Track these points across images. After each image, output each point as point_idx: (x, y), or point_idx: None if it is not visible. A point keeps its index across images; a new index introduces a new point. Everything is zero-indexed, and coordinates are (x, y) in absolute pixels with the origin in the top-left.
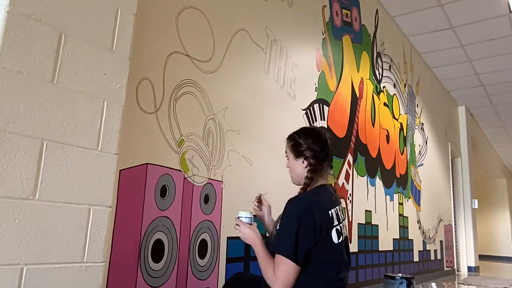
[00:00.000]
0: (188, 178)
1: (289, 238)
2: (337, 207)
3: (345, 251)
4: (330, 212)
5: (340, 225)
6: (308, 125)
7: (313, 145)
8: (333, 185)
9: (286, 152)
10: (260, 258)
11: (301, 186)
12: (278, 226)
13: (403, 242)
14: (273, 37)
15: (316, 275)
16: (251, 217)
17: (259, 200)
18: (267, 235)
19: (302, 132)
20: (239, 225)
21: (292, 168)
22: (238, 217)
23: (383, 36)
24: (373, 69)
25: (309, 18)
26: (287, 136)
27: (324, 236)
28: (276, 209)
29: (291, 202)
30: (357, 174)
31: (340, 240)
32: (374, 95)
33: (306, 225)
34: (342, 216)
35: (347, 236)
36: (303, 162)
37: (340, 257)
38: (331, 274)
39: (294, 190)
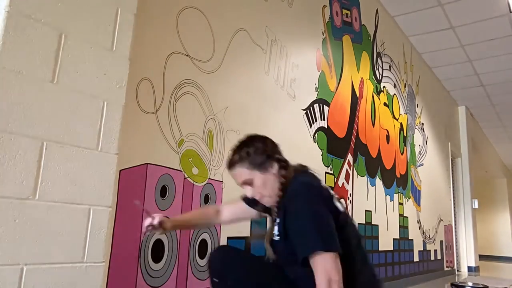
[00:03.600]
0: (188, 178)
1: (314, 232)
2: (321, 181)
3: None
4: (322, 184)
5: (335, 196)
6: (252, 136)
7: (265, 146)
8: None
9: (243, 182)
10: None
11: (279, 188)
12: (289, 232)
13: (403, 242)
14: (273, 37)
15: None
16: None
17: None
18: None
19: (243, 145)
20: None
21: (265, 186)
22: None
23: (383, 36)
24: (373, 69)
25: (309, 18)
26: (229, 166)
27: (334, 209)
28: None
29: (288, 195)
30: (357, 174)
31: (343, 209)
32: (374, 95)
33: (319, 207)
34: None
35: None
36: (271, 168)
37: (347, 221)
38: (355, 249)
39: None
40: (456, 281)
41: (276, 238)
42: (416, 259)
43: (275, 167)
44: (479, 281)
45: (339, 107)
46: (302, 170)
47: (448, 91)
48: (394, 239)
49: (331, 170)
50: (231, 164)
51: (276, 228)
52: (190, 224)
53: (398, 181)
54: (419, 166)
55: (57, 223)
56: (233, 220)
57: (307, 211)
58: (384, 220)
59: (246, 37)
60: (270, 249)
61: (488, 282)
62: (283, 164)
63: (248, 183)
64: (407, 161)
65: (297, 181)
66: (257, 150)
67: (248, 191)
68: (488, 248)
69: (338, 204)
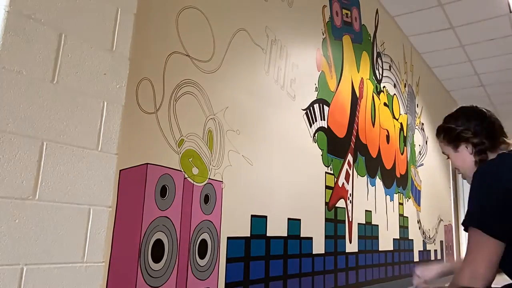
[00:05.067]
0: (188, 178)
1: (476, 207)
2: None
3: None
4: None
5: None
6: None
7: (468, 123)
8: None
9: (443, 152)
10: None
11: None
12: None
13: (403, 242)
14: (273, 37)
15: None
16: None
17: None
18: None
19: (449, 117)
20: None
21: (458, 164)
22: None
23: (383, 36)
24: (373, 69)
25: (309, 18)
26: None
27: None
28: (276, 210)
29: (474, 177)
30: (357, 174)
31: None
32: (374, 95)
33: (489, 189)
34: None
35: None
36: (466, 148)
37: None
38: None
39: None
40: None
41: None
42: (416, 259)
43: (469, 149)
44: None
45: (339, 107)
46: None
47: (448, 91)
48: (394, 239)
49: (331, 170)
50: (437, 134)
51: None
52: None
53: (398, 181)
54: (419, 166)
55: (57, 223)
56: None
57: (477, 190)
58: (384, 220)
59: (246, 37)
60: None
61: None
62: (480, 148)
63: (447, 156)
64: (407, 161)
65: (483, 166)
66: (455, 126)
67: (450, 162)
68: None
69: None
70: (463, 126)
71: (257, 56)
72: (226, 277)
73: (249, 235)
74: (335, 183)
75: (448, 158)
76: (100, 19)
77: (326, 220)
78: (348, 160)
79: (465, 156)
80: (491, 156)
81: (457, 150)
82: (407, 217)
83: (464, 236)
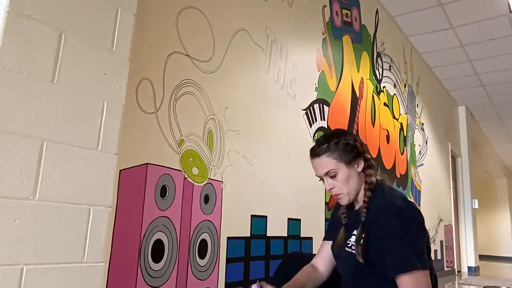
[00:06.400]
0: (188, 178)
1: (408, 251)
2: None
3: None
4: (415, 205)
5: None
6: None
7: (356, 140)
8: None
9: (330, 170)
10: None
11: (365, 188)
12: (379, 251)
13: None
14: (273, 37)
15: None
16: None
17: None
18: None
19: (335, 135)
20: None
21: (348, 181)
22: None
23: (383, 36)
24: (373, 69)
25: (309, 18)
26: (313, 151)
27: (424, 231)
28: (276, 210)
29: (380, 215)
30: None
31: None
32: (374, 95)
33: (413, 224)
34: None
35: None
36: (357, 165)
37: (429, 249)
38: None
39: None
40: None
41: (349, 249)
42: None
43: (361, 165)
44: (479, 281)
45: (339, 107)
46: (381, 180)
47: (448, 91)
48: None
49: None
50: (318, 152)
51: (352, 238)
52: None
53: (398, 181)
54: (419, 166)
55: (57, 223)
56: (330, 266)
57: (401, 233)
58: None
59: (246, 37)
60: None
61: (488, 282)
62: (369, 163)
63: (332, 175)
64: (407, 161)
65: (389, 198)
66: (348, 143)
67: (327, 184)
68: (488, 248)
69: (425, 226)
70: (353, 144)
71: (257, 56)
72: (226, 277)
73: (249, 235)
74: None
75: (321, 180)
76: (100, 19)
77: (326, 220)
78: None
79: (355, 174)
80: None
81: (349, 166)
82: None
83: (464, 236)
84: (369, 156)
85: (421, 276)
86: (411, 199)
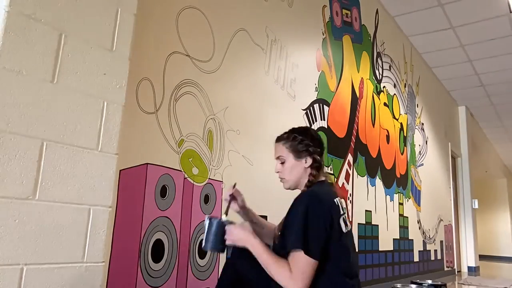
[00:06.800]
0: (188, 178)
1: (301, 231)
2: (338, 198)
3: (352, 242)
4: (335, 200)
5: (344, 215)
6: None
7: (312, 142)
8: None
9: (279, 156)
10: (266, 258)
11: (306, 184)
12: (284, 226)
13: (403, 242)
14: (273, 37)
15: (330, 271)
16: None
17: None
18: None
19: (297, 131)
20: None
21: (291, 171)
22: (224, 223)
23: (383, 36)
24: (373, 69)
25: (309, 18)
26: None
27: (336, 225)
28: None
29: (297, 198)
30: (357, 174)
31: (346, 231)
32: (374, 95)
33: (316, 215)
34: (344, 208)
35: (351, 228)
36: (305, 161)
37: (350, 246)
38: (345, 268)
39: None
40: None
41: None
42: (416, 259)
43: (309, 162)
44: (479, 281)
45: (339, 107)
46: (329, 182)
47: (448, 91)
48: (394, 239)
49: (331, 170)
50: (278, 138)
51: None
52: (259, 225)
53: (398, 181)
54: (419, 166)
55: (57, 223)
56: None
57: (304, 214)
58: (384, 220)
59: (246, 37)
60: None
61: (488, 282)
62: (317, 165)
63: (281, 161)
64: (407, 161)
65: (313, 189)
66: (303, 140)
67: (276, 166)
68: (488, 248)
69: (342, 225)
70: (308, 143)
71: (257, 56)
72: None
73: None
74: (335, 183)
75: (278, 159)
76: (100, 19)
77: None
78: (348, 160)
79: (300, 167)
80: (319, 174)
81: (298, 159)
82: (407, 217)
83: (464, 236)
84: (319, 158)
85: (302, 259)
86: (411, 199)
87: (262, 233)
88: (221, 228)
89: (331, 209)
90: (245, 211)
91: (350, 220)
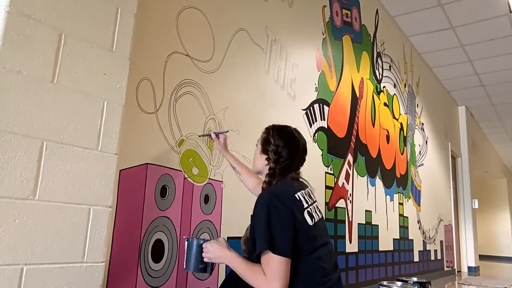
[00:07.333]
0: (188, 178)
1: (266, 232)
2: (302, 191)
3: (323, 231)
4: (296, 195)
5: (310, 207)
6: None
7: (280, 150)
8: (297, 178)
9: (258, 140)
10: (242, 268)
11: (264, 181)
12: (251, 231)
13: (403, 242)
14: (273, 37)
15: (300, 270)
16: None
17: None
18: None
19: (278, 130)
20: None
21: (255, 159)
22: (200, 242)
23: (383, 36)
24: (373, 69)
25: (309, 18)
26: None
27: (300, 221)
28: None
29: (257, 200)
30: (357, 174)
31: (313, 223)
32: (374, 95)
33: (277, 214)
34: (311, 198)
35: (322, 217)
36: (265, 160)
37: (316, 239)
38: (315, 265)
39: None
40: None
41: None
42: (416, 259)
43: (265, 162)
44: (479, 281)
45: (339, 107)
46: (292, 177)
47: (448, 91)
48: (394, 239)
49: (331, 170)
50: (266, 127)
51: None
52: (237, 163)
53: (398, 181)
54: (419, 166)
55: (57, 223)
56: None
57: (266, 215)
58: (384, 220)
59: (246, 37)
60: None
61: (488, 282)
62: (271, 172)
63: (256, 144)
64: (407, 161)
65: (271, 188)
66: (273, 140)
67: (255, 148)
68: (488, 248)
69: (307, 217)
70: (275, 147)
71: (257, 56)
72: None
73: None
74: (335, 183)
75: (256, 145)
76: (100, 19)
77: (326, 220)
78: (348, 160)
79: (261, 162)
80: (276, 180)
81: (261, 154)
82: (407, 217)
83: (464, 236)
84: (273, 166)
85: (272, 259)
86: (411, 199)
87: (241, 178)
88: (199, 248)
89: (291, 205)
90: (224, 152)
91: (350, 220)
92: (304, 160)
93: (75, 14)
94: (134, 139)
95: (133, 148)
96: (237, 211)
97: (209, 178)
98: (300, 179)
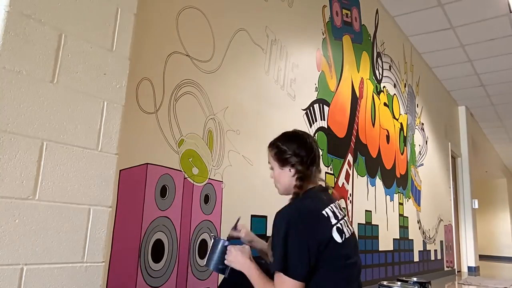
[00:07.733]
0: (188, 178)
1: (282, 252)
2: (331, 205)
3: (353, 249)
4: (324, 212)
5: (340, 222)
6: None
7: (298, 151)
8: (324, 185)
9: (269, 162)
10: (258, 281)
11: (291, 196)
12: (271, 246)
13: (403, 242)
14: (273, 37)
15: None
16: (238, 242)
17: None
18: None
19: (284, 138)
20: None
21: (279, 179)
22: (225, 244)
23: (383, 36)
24: (373, 69)
25: (309, 18)
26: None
27: (327, 240)
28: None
29: (277, 215)
30: (357, 174)
31: (343, 239)
32: (374, 95)
33: (296, 233)
34: (341, 213)
35: (353, 232)
36: (290, 170)
37: (345, 257)
38: (342, 283)
39: None
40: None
41: None
42: (416, 259)
43: (291, 172)
44: (479, 281)
45: (339, 107)
46: (320, 189)
47: (448, 91)
48: (394, 239)
49: (331, 170)
50: (269, 145)
51: None
52: (263, 252)
53: (398, 181)
54: (419, 166)
55: (57, 223)
56: None
57: (284, 235)
58: (384, 220)
59: (246, 37)
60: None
61: (488, 282)
62: (300, 175)
63: (270, 167)
64: (407, 161)
65: (295, 204)
66: (286, 147)
67: (271, 173)
68: (488, 248)
69: (335, 235)
70: (291, 152)
71: (257, 56)
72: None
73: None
74: (335, 183)
75: (271, 168)
76: (100, 19)
77: None
78: (348, 160)
79: (286, 176)
80: (306, 184)
81: (282, 168)
82: (407, 217)
83: (464, 236)
84: (301, 168)
85: (285, 281)
86: (411, 199)
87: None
88: (223, 248)
89: (316, 224)
90: (252, 243)
91: (350, 220)
92: (319, 151)
93: (75, 14)
94: (134, 139)
95: (133, 148)
96: (237, 211)
97: (209, 178)
98: (326, 185)
